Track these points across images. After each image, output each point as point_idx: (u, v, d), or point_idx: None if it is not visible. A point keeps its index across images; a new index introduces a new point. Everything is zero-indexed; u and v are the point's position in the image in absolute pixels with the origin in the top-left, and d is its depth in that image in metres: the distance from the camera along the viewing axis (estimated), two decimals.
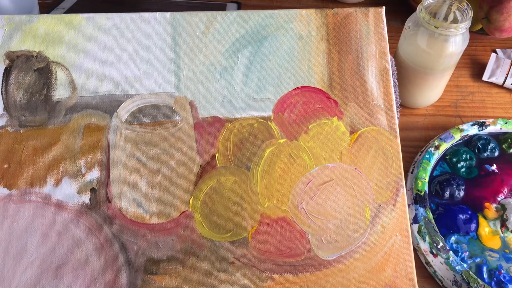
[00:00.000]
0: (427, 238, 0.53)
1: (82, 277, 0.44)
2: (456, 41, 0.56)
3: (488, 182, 0.57)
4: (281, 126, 0.52)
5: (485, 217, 0.55)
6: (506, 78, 0.68)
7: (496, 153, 0.60)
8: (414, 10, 0.58)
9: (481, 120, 0.62)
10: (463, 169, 0.58)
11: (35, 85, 0.50)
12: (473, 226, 0.54)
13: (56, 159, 0.48)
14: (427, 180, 0.57)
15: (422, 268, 0.53)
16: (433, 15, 0.57)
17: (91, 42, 0.52)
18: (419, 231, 0.53)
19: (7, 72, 0.50)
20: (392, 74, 0.54)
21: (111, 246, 0.46)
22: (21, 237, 0.45)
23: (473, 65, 0.72)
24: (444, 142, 0.60)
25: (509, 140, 0.60)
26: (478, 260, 0.52)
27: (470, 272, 0.50)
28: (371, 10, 0.56)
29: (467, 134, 0.61)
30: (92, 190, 0.47)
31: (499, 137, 0.61)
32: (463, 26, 0.55)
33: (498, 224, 0.54)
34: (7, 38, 0.51)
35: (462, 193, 0.56)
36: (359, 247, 0.48)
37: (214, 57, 0.53)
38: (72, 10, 0.70)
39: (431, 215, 0.54)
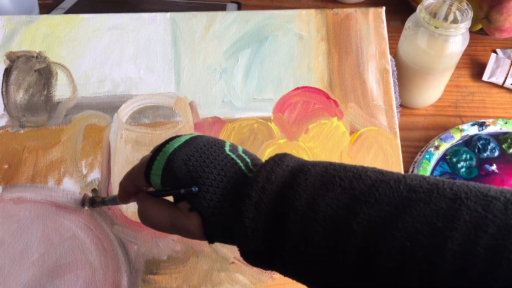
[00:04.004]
0: None
1: (83, 277, 0.44)
2: (456, 41, 0.56)
3: (488, 182, 0.57)
4: (281, 126, 0.52)
5: None
6: (506, 78, 0.68)
7: (496, 153, 0.60)
8: (414, 10, 0.58)
9: (481, 120, 0.62)
10: (463, 169, 0.58)
11: (35, 86, 0.50)
12: None
13: (57, 160, 0.48)
14: None
15: None
16: (433, 15, 0.57)
17: (92, 42, 0.52)
18: None
19: (7, 72, 0.50)
20: (392, 74, 0.54)
21: (112, 246, 0.46)
22: (22, 237, 0.45)
23: (473, 65, 0.72)
24: (444, 142, 0.60)
25: (509, 140, 0.60)
26: None
27: None
28: (371, 10, 0.56)
29: (467, 134, 0.61)
30: (93, 190, 0.47)
31: (499, 137, 0.61)
32: (463, 26, 0.55)
33: None
34: (7, 38, 0.51)
35: None
36: None
37: (214, 57, 0.53)
38: (72, 10, 0.70)
39: None
